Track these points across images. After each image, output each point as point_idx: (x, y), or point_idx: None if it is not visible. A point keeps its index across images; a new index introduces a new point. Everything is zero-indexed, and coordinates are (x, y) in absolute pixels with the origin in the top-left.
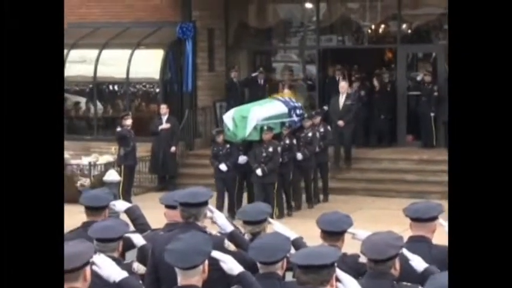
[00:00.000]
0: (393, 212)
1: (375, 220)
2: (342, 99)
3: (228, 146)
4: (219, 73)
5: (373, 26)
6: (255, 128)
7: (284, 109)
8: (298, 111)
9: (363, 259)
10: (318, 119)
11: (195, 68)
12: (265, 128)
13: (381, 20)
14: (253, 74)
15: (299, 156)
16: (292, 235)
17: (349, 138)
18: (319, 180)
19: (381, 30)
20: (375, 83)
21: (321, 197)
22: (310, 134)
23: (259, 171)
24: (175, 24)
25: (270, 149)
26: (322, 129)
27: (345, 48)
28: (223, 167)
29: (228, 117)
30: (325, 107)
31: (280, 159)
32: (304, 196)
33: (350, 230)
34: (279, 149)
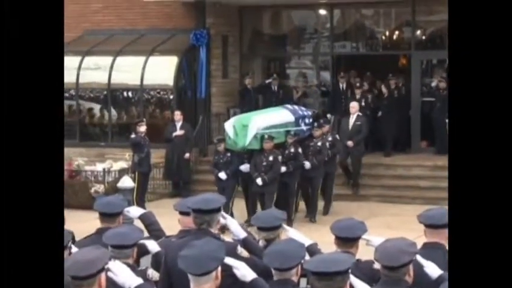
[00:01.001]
0: (407, 219)
1: (389, 226)
2: (352, 120)
3: (228, 154)
4: (233, 80)
5: (387, 32)
6: (255, 136)
7: (291, 118)
8: (307, 120)
9: (377, 266)
10: (326, 128)
11: (209, 75)
12: (265, 136)
13: (395, 26)
14: (267, 81)
15: (307, 165)
16: (307, 241)
17: (358, 160)
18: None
19: (395, 37)
20: (383, 89)
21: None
22: (319, 144)
23: (259, 181)
24: (189, 31)
25: (271, 158)
26: (330, 138)
27: (359, 54)
28: (222, 175)
29: (229, 125)
30: (329, 115)
31: (285, 168)
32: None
33: (364, 236)
34: (280, 158)
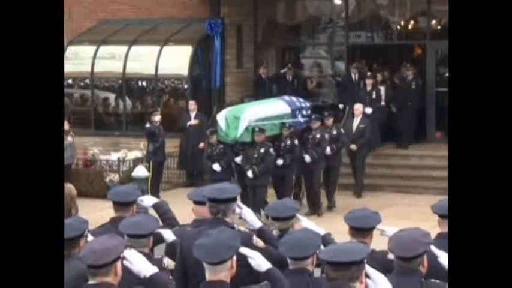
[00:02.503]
0: (422, 209)
1: (404, 217)
2: (355, 122)
3: (221, 146)
4: (247, 69)
5: (402, 22)
6: (246, 129)
7: (287, 109)
8: (304, 112)
9: (391, 256)
10: (330, 121)
11: (223, 65)
12: (256, 129)
13: (410, 16)
14: (282, 70)
15: (307, 158)
16: (321, 231)
17: (360, 164)
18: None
19: (410, 26)
20: (396, 80)
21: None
22: (318, 136)
23: (250, 173)
24: (204, 20)
25: (262, 150)
26: (334, 132)
27: (374, 44)
28: (216, 167)
29: (221, 117)
30: (341, 106)
31: (282, 161)
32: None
33: (378, 226)
34: (271, 150)
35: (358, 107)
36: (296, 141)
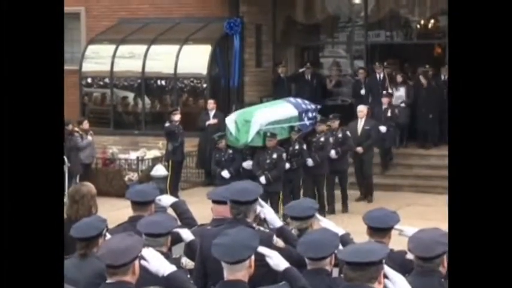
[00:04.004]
0: (441, 209)
1: (422, 217)
2: (360, 124)
3: (230, 151)
4: (266, 69)
5: (422, 21)
6: (258, 133)
7: (294, 112)
8: (310, 115)
9: (409, 256)
10: (336, 123)
11: (242, 64)
12: (268, 134)
13: (430, 15)
14: (301, 70)
15: (309, 162)
16: (340, 231)
17: (368, 167)
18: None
19: (430, 26)
20: (422, 80)
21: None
22: (322, 139)
23: (263, 179)
24: (223, 19)
25: (274, 156)
26: (340, 135)
27: (394, 43)
28: (225, 173)
29: (231, 121)
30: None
31: (289, 165)
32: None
33: (397, 226)
34: (284, 155)
35: (362, 109)
36: (304, 146)
